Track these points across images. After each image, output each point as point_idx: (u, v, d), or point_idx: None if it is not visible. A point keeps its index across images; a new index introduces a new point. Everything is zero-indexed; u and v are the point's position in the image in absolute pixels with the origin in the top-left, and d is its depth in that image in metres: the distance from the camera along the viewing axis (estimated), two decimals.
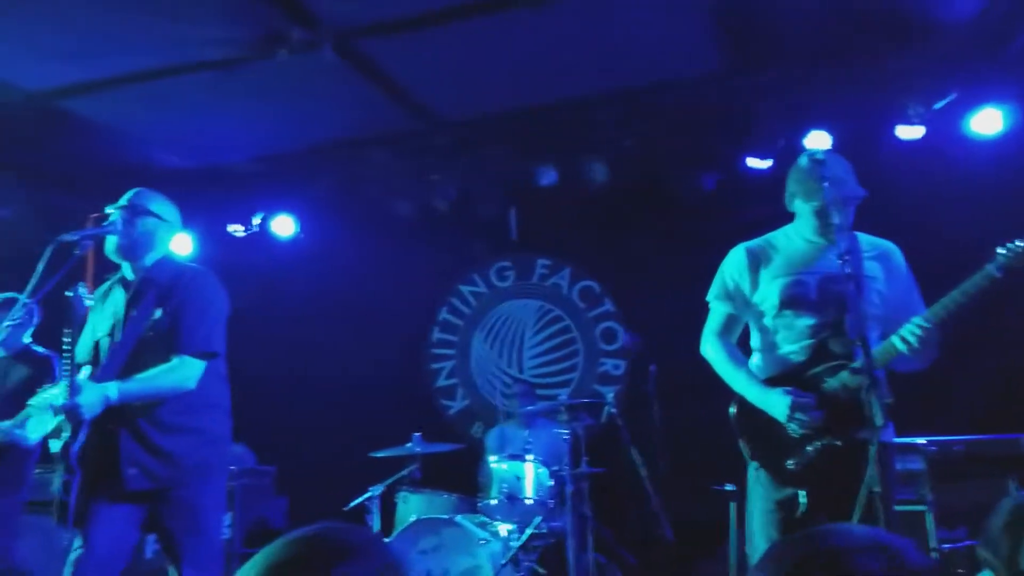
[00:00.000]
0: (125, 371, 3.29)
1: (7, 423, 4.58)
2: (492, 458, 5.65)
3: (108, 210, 3.54)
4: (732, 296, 3.29)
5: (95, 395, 3.18)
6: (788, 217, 3.30)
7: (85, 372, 3.44)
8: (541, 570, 5.38)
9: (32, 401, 4.36)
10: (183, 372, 3.33)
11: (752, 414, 3.11)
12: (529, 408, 6.13)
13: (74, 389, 3.15)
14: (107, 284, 3.64)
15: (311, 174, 6.91)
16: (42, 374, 4.86)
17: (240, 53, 4.97)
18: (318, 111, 5.91)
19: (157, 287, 3.44)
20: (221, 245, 7.21)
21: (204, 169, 6.71)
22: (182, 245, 7.02)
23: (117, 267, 3.60)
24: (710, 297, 3.36)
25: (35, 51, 4.86)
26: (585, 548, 5.29)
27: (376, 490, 5.57)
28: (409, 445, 5.68)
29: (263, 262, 7.42)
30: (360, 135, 6.38)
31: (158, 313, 3.37)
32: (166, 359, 3.32)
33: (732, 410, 3.20)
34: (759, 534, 3.07)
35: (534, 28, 4.90)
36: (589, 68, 5.48)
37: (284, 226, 7.27)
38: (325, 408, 7.29)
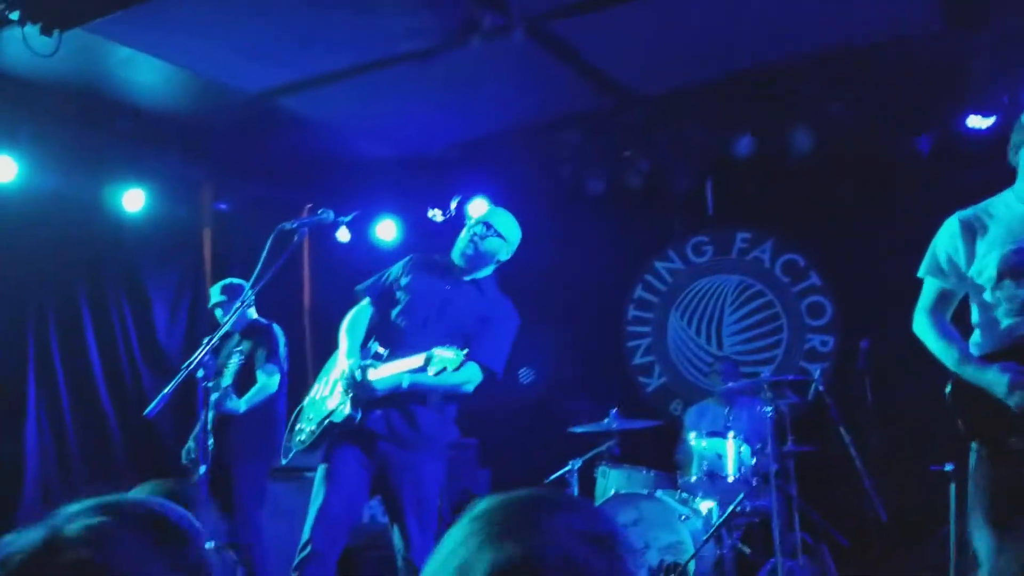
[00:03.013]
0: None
1: (214, 395, 4.95)
2: (692, 435, 5.59)
3: (468, 220, 3.90)
4: (945, 271, 3.08)
5: (392, 381, 3.52)
6: (1012, 181, 3.04)
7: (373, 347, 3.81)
8: (745, 548, 5.28)
9: (225, 370, 4.75)
10: (467, 375, 3.62)
11: (971, 390, 2.91)
12: (730, 385, 6.00)
13: (367, 370, 3.52)
14: (431, 259, 3.95)
15: (504, 157, 7.05)
16: (260, 342, 5.27)
17: (435, 43, 5.14)
18: (510, 95, 6.02)
19: (478, 301, 3.77)
20: (422, 230, 7.52)
21: (405, 158, 7.01)
22: (388, 231, 7.39)
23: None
24: (922, 272, 3.16)
25: (251, 55, 5.25)
26: (791, 527, 5.14)
27: (575, 464, 5.65)
28: (606, 421, 5.72)
29: None
30: (552, 116, 6.45)
31: (473, 323, 3.67)
32: None
33: (948, 388, 3.01)
34: (980, 516, 2.87)
35: None
36: (792, 32, 5.26)
37: (479, 210, 7.48)
38: (525, 384, 7.45)
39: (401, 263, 3.97)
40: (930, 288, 3.15)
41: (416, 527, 3.54)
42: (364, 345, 3.76)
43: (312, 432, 3.68)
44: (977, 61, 5.54)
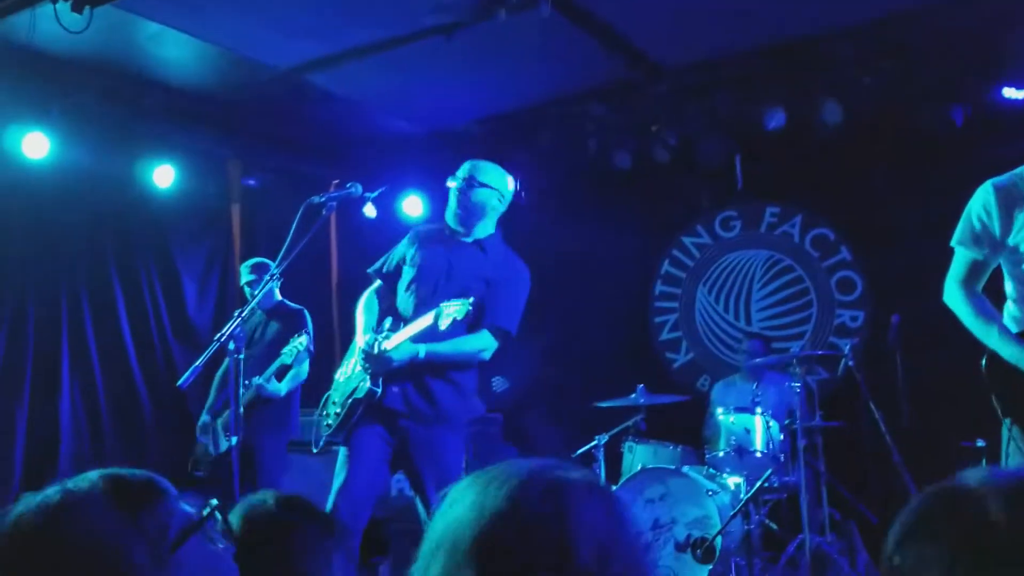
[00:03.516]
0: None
1: (257, 379, 5.07)
2: (719, 410, 5.58)
3: (450, 183, 3.87)
4: (980, 240, 3.01)
5: (408, 352, 3.55)
6: None
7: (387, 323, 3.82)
8: (772, 524, 5.27)
9: (284, 350, 4.86)
10: (482, 342, 3.67)
11: (1007, 366, 2.86)
12: (757, 361, 5.97)
13: (381, 342, 3.56)
14: (431, 228, 3.99)
15: (531, 132, 7.01)
16: (293, 326, 5.34)
17: (461, 16, 5.11)
18: (537, 68, 5.97)
19: (482, 262, 3.76)
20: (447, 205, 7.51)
21: (432, 133, 6.99)
22: (414, 207, 7.39)
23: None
24: (954, 242, 3.09)
25: (278, 31, 5.24)
26: (820, 504, 5.13)
27: (602, 439, 5.66)
28: (633, 396, 5.72)
29: None
30: (579, 89, 6.39)
31: (480, 287, 3.66)
32: (471, 326, 3.64)
33: (984, 362, 2.97)
34: None
35: None
36: (823, 2, 5.17)
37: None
38: (550, 359, 7.45)
39: (406, 239, 4.01)
40: (962, 258, 3.08)
41: (436, 497, 3.60)
42: (379, 323, 3.80)
43: (338, 415, 3.72)
44: (1012, 28, 5.42)
